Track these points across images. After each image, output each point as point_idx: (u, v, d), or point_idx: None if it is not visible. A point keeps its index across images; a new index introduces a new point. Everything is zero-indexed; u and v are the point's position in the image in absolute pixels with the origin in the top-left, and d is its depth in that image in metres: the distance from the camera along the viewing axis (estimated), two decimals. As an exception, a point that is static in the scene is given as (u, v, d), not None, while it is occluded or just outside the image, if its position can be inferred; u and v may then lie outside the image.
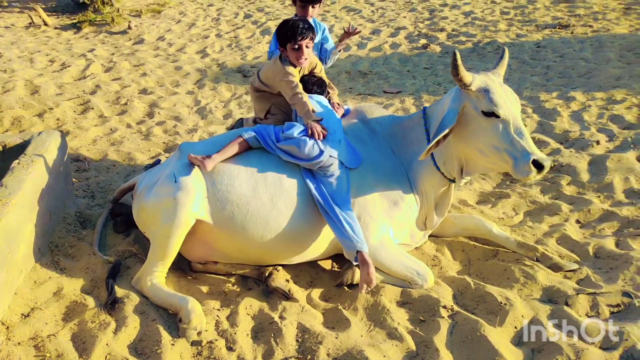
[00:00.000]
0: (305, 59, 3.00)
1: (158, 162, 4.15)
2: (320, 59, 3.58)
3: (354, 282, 2.84)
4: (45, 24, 8.55)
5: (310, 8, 3.55)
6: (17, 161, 2.95)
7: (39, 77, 6.07)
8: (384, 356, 2.36)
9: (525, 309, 2.61)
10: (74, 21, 8.71)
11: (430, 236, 3.24)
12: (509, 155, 2.59)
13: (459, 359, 2.36)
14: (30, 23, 8.60)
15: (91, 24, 8.53)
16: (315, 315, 2.67)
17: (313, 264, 3.05)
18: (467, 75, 2.59)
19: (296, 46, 2.93)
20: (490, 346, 2.35)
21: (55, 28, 8.51)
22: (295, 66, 3.05)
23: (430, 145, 2.64)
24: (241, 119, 3.83)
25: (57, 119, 4.99)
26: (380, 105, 5.35)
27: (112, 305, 2.61)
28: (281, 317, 2.62)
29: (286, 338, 2.48)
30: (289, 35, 2.92)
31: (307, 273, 3.02)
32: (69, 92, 5.68)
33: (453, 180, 2.93)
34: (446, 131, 2.62)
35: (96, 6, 9.05)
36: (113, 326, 2.50)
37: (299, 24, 2.93)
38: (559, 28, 7.78)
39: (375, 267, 2.86)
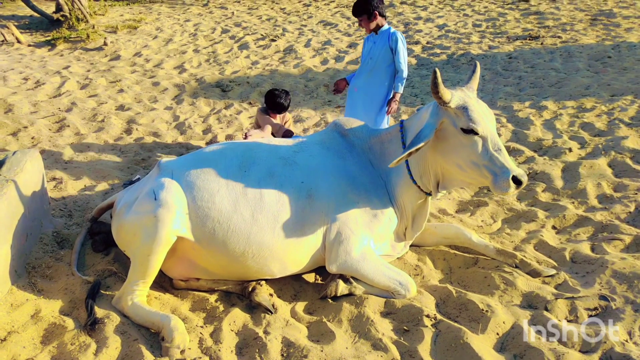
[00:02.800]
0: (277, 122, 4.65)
1: (137, 179, 4.11)
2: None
3: (338, 295, 2.85)
4: (19, 42, 8.42)
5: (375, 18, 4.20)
6: (-9, 182, 2.89)
7: (12, 96, 5.97)
8: (370, 367, 2.36)
9: (506, 315, 2.66)
10: (48, 38, 8.61)
11: (411, 246, 3.28)
12: (488, 171, 2.63)
13: (444, 367, 2.39)
14: (2, 40, 8.47)
15: (66, 40, 8.44)
16: (299, 329, 2.66)
17: (296, 277, 3.05)
18: (446, 93, 2.64)
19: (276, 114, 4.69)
20: (473, 353, 2.38)
21: (29, 45, 8.39)
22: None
23: (402, 156, 2.67)
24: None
25: (32, 138, 4.90)
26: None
27: (92, 326, 2.56)
28: (265, 332, 2.60)
29: (271, 353, 2.47)
30: (275, 108, 4.67)
31: (290, 287, 3.02)
32: (44, 110, 5.60)
33: (429, 194, 2.98)
34: (421, 145, 2.66)
35: (71, 23, 8.97)
36: (94, 347, 2.45)
37: (282, 104, 4.66)
38: (529, 39, 8.01)
39: (358, 279, 2.89)
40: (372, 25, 4.25)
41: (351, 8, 4.35)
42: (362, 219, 2.91)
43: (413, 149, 2.65)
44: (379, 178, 3.05)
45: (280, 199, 2.82)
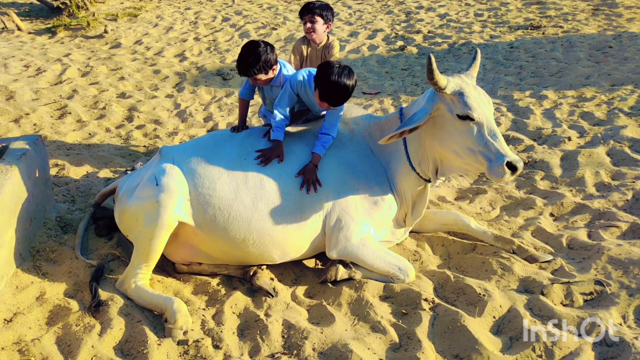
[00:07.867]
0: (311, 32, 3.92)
1: (139, 165, 4.14)
2: None
3: (338, 279, 2.89)
4: (19, 29, 8.39)
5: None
6: (-5, 166, 2.92)
7: (13, 83, 5.98)
8: (368, 349, 2.42)
9: (503, 299, 2.70)
10: (49, 26, 8.58)
11: (410, 232, 3.32)
12: (484, 157, 2.66)
13: (441, 348, 2.44)
14: (2, 28, 8.44)
15: (66, 28, 8.42)
16: (300, 312, 2.71)
17: (297, 263, 3.10)
18: (442, 79, 2.66)
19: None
20: (470, 335, 2.43)
21: (29, 33, 8.37)
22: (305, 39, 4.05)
23: (392, 134, 2.73)
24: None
25: (34, 125, 4.93)
26: (360, 106, 5.43)
27: (96, 307, 2.61)
28: (266, 315, 2.65)
29: (272, 334, 2.52)
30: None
31: (291, 271, 3.06)
32: (45, 97, 5.62)
33: (429, 181, 3.01)
34: (411, 126, 2.71)
35: (71, 10, 8.93)
36: (98, 328, 2.50)
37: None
38: (530, 29, 7.98)
39: (358, 264, 2.93)
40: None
41: None
42: (362, 206, 2.95)
43: (404, 129, 2.70)
44: (379, 165, 3.08)
45: (280, 187, 2.85)
